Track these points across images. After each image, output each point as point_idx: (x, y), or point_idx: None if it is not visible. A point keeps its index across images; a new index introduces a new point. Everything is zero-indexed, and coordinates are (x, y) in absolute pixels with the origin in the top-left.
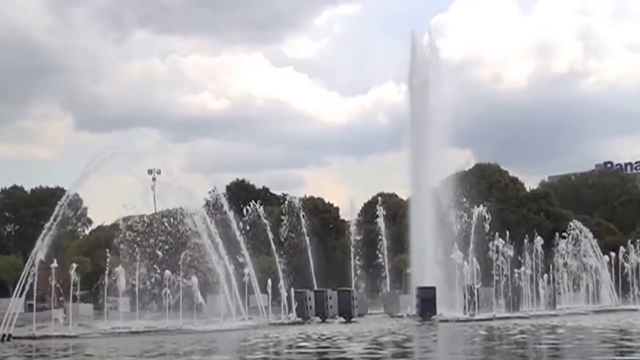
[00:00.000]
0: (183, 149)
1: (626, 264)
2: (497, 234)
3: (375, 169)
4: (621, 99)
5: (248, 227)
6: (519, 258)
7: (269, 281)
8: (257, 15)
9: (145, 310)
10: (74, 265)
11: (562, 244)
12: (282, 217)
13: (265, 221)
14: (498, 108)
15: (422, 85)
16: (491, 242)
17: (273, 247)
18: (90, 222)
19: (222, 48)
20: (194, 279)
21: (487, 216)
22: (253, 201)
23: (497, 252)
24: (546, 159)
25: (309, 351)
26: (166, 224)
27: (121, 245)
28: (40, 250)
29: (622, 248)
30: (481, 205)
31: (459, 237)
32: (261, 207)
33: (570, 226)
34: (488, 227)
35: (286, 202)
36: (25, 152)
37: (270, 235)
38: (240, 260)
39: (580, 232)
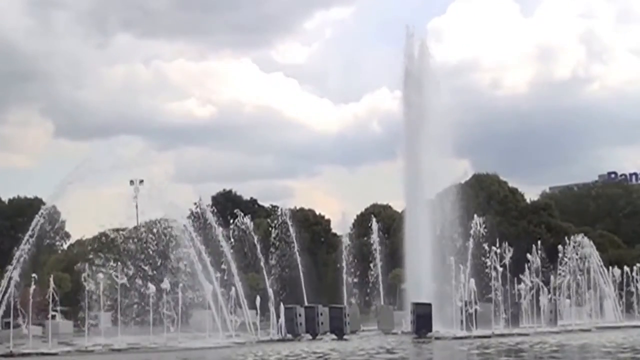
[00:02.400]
0: (167, 158)
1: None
2: (496, 247)
3: (369, 179)
4: (626, 106)
5: (234, 241)
6: (519, 272)
7: (257, 297)
8: (245, 19)
9: (128, 326)
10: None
11: (565, 257)
12: (271, 230)
13: (252, 233)
14: (497, 115)
15: (417, 92)
16: (489, 256)
17: (262, 260)
18: (68, 236)
19: (208, 53)
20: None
21: (485, 229)
22: (240, 212)
23: (495, 266)
24: (547, 169)
25: None
26: (150, 237)
27: (101, 260)
28: (16, 270)
29: (625, 268)
30: (478, 217)
31: (456, 251)
32: (248, 219)
33: (571, 239)
34: (486, 240)
35: (276, 213)
36: (2, 160)
37: (258, 249)
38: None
39: (582, 247)
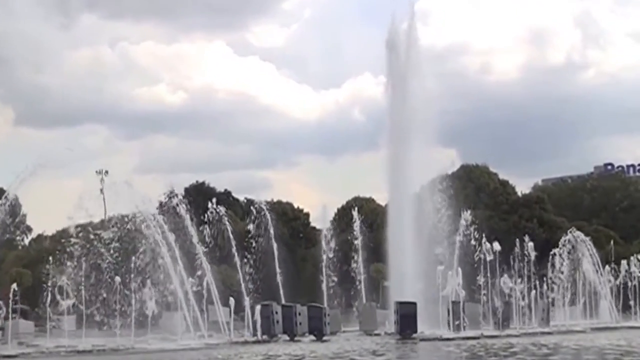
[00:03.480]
0: (135, 147)
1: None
2: (484, 243)
3: (351, 170)
4: (623, 94)
5: (207, 235)
6: (508, 269)
7: (231, 298)
8: None
9: (92, 327)
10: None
11: (557, 253)
12: (247, 223)
13: (227, 223)
14: (487, 103)
15: (402, 77)
16: (478, 253)
17: (235, 254)
18: (29, 230)
19: (179, 35)
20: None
21: (473, 223)
22: (213, 202)
23: (485, 263)
24: (540, 160)
25: None
26: (116, 233)
27: (65, 257)
28: None
29: (623, 262)
30: (467, 212)
31: (442, 247)
32: (222, 208)
33: (566, 235)
34: (475, 236)
35: (252, 207)
36: None
37: (233, 242)
38: (199, 272)
39: (577, 241)
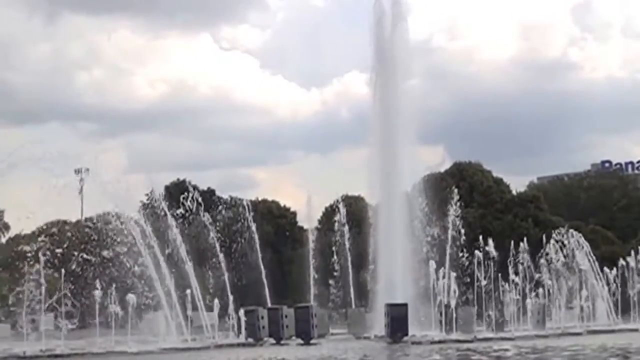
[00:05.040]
0: (113, 145)
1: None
2: (479, 242)
3: (339, 169)
4: (621, 90)
5: (188, 234)
6: (502, 270)
7: (216, 300)
8: None
9: (72, 330)
10: None
11: (552, 253)
12: (231, 222)
13: (205, 221)
14: (479, 98)
15: (388, 73)
16: (471, 253)
17: (220, 256)
18: (7, 227)
19: (158, 27)
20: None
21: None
22: (192, 200)
23: (478, 263)
24: (535, 157)
25: None
26: (94, 233)
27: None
28: None
29: (621, 260)
30: (459, 209)
31: (433, 247)
32: (206, 215)
33: (560, 232)
34: (468, 235)
35: (235, 205)
36: None
37: (216, 243)
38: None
39: (568, 241)
